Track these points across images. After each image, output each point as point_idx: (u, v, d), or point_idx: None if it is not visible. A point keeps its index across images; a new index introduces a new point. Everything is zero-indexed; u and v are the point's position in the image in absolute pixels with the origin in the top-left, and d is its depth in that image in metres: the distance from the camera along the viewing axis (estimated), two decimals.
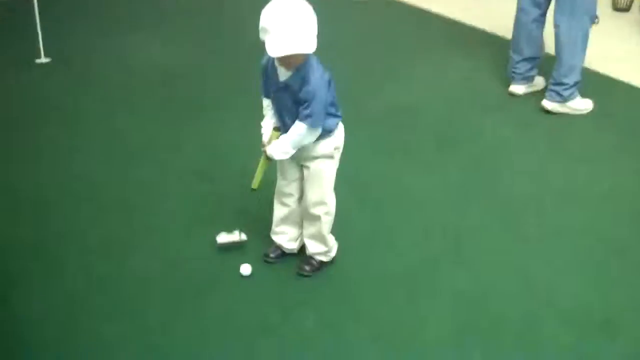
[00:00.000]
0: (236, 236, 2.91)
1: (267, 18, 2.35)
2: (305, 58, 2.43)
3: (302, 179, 2.71)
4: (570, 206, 3.37)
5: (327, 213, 2.73)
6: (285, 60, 2.41)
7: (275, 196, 2.81)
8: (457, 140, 3.93)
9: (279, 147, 2.56)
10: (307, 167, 2.65)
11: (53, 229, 3.08)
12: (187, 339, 2.50)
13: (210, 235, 2.95)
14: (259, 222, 3.01)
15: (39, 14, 4.79)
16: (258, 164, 2.65)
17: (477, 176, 3.58)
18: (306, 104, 2.46)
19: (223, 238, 2.91)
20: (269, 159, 2.61)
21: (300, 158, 2.65)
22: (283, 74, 2.49)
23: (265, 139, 2.63)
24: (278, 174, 2.76)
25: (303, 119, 2.49)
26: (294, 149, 2.56)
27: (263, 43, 2.37)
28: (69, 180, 3.45)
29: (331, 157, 2.64)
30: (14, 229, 3.08)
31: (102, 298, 2.67)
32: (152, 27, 5.59)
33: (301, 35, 2.33)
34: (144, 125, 4.01)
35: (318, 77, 2.45)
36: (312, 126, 2.50)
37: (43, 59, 4.83)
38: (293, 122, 2.53)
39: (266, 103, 2.66)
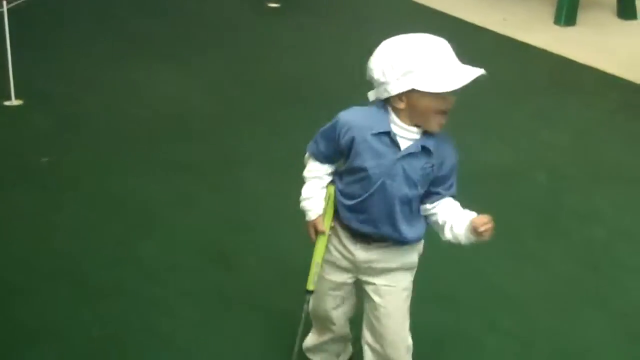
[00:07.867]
0: None
1: (420, 53, 1.97)
2: None
3: (350, 297, 2.26)
4: None
5: (408, 348, 2.24)
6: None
7: (312, 316, 2.33)
8: (566, 223, 3.45)
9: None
10: (374, 285, 2.15)
11: (21, 322, 2.71)
12: None
13: (227, 338, 2.59)
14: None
15: (10, 43, 4.23)
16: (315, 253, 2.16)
17: (591, 273, 3.14)
18: (447, 172, 2.05)
19: None
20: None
21: (366, 270, 2.14)
22: (408, 137, 2.02)
23: (314, 213, 2.12)
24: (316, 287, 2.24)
25: (448, 192, 2.05)
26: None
27: (376, 99, 2.01)
28: (46, 259, 3.05)
29: (414, 268, 2.21)
30: None
31: None
32: (156, 59, 5.02)
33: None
34: (144, 187, 3.57)
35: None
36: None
37: (13, 101, 4.34)
38: (398, 218, 2.02)
39: (316, 168, 2.14)
